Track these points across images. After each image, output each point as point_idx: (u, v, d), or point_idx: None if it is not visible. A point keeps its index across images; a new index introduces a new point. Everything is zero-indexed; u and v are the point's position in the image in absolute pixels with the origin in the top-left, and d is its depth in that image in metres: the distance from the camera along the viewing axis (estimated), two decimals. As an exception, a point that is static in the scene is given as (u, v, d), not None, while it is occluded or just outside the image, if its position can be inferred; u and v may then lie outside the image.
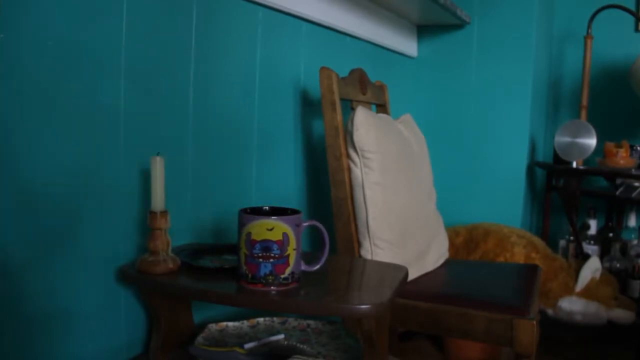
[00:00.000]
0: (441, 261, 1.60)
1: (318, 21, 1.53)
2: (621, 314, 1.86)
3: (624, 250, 2.13)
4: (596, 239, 2.15)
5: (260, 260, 0.86)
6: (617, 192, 2.01)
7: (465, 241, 1.93)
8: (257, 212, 0.91)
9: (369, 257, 1.32)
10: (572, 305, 1.86)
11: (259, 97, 1.34)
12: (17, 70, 0.79)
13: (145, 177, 0.98)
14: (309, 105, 1.55)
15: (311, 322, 1.14)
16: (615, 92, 2.37)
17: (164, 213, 0.94)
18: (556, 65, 2.50)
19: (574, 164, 2.07)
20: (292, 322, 1.14)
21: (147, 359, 1.00)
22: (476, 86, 2.17)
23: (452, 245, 1.89)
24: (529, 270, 1.55)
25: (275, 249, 0.85)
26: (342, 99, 1.35)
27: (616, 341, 2.04)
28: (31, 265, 0.84)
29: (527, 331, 1.22)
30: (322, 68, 1.32)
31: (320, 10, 1.53)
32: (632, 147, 2.09)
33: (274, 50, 1.38)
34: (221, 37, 1.20)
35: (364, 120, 1.29)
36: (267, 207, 0.93)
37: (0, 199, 0.79)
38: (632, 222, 2.21)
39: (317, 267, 0.93)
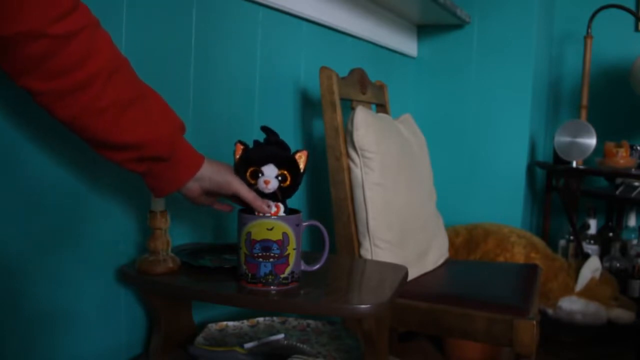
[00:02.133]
0: (441, 261, 1.60)
1: (318, 21, 1.53)
2: (621, 314, 1.86)
3: (624, 250, 2.13)
4: (596, 239, 2.15)
5: (260, 260, 0.86)
6: (617, 192, 2.01)
7: (465, 241, 1.93)
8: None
9: (369, 257, 1.32)
10: (572, 305, 1.86)
11: (259, 97, 1.34)
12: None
13: (145, 177, 0.98)
14: (309, 105, 1.55)
15: (311, 322, 1.14)
16: (615, 92, 2.37)
17: (163, 213, 0.94)
18: (556, 65, 2.50)
19: (574, 164, 2.07)
20: (292, 322, 1.14)
21: (147, 359, 1.00)
22: (476, 86, 2.17)
23: (452, 245, 1.89)
24: (529, 270, 1.55)
25: (275, 248, 0.85)
26: (342, 99, 1.35)
27: (616, 341, 2.03)
28: (31, 265, 0.84)
29: (527, 331, 1.22)
30: (322, 68, 1.32)
31: (320, 10, 1.53)
32: (632, 147, 2.09)
33: (274, 50, 1.38)
34: (221, 37, 1.20)
35: (363, 120, 1.29)
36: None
37: (0, 198, 0.80)
38: (632, 222, 2.21)
39: (317, 267, 0.93)
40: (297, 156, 0.88)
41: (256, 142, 0.90)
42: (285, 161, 0.87)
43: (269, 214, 0.86)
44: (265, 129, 0.91)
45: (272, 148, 0.88)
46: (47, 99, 0.70)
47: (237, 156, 0.89)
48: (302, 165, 0.89)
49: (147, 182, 0.85)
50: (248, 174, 0.86)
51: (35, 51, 0.65)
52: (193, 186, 0.87)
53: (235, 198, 0.90)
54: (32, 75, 0.67)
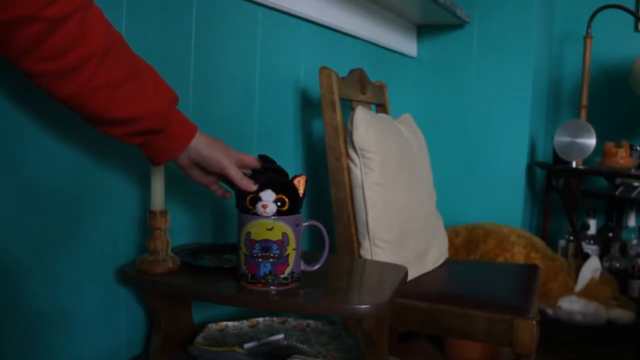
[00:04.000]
0: (441, 261, 1.60)
1: (318, 21, 1.53)
2: (621, 314, 1.86)
3: (624, 250, 2.13)
4: (596, 239, 2.15)
5: (260, 260, 0.86)
6: (617, 192, 2.01)
7: (465, 241, 1.93)
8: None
9: (368, 257, 1.32)
10: (572, 305, 1.86)
11: (259, 97, 1.34)
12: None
13: (146, 177, 0.98)
14: (309, 105, 1.55)
15: (311, 322, 1.14)
16: (615, 92, 2.37)
17: (163, 213, 0.94)
18: (556, 65, 2.50)
19: (574, 164, 2.07)
20: (292, 322, 1.14)
21: (147, 359, 1.00)
22: (476, 86, 2.17)
23: (452, 245, 1.89)
24: (529, 270, 1.55)
25: (274, 248, 0.85)
26: (342, 99, 1.35)
27: (616, 341, 2.04)
28: (31, 265, 0.84)
29: (527, 331, 1.22)
30: (322, 68, 1.32)
31: (320, 10, 1.53)
32: (631, 147, 2.09)
33: (274, 50, 1.38)
34: (221, 37, 1.20)
35: (363, 120, 1.29)
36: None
37: (0, 198, 0.80)
38: (632, 222, 2.21)
39: (317, 267, 0.93)
40: (295, 181, 0.89)
41: (254, 170, 0.91)
42: (283, 186, 0.87)
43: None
44: (262, 157, 0.92)
45: (270, 174, 0.89)
46: (44, 80, 0.72)
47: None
48: (301, 190, 0.89)
49: (144, 153, 0.87)
50: (247, 200, 0.87)
51: (30, 35, 0.67)
52: (182, 156, 0.88)
53: (225, 178, 0.91)
54: (29, 58, 0.69)
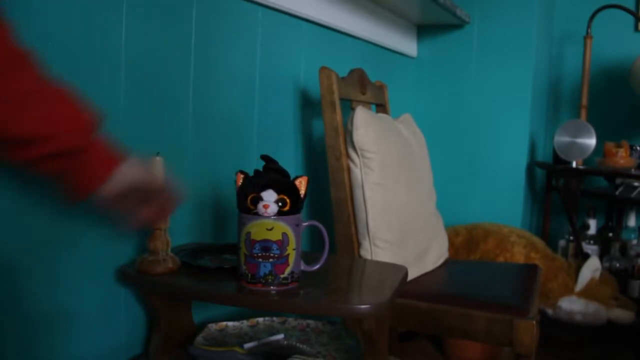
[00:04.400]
0: (441, 261, 1.60)
1: (318, 21, 1.53)
2: (621, 314, 1.86)
3: (624, 250, 2.13)
4: (596, 239, 2.15)
5: (260, 260, 0.86)
6: (617, 192, 2.01)
7: (465, 241, 1.93)
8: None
9: (368, 257, 1.32)
10: (572, 305, 1.86)
11: (259, 97, 1.34)
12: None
13: (145, 177, 0.98)
14: (309, 105, 1.55)
15: (311, 322, 1.14)
16: (615, 92, 2.37)
17: (163, 213, 0.94)
18: (556, 65, 2.50)
19: (574, 164, 2.07)
20: (291, 322, 1.14)
21: (147, 359, 1.00)
22: (476, 86, 2.16)
23: (452, 245, 1.89)
24: (529, 270, 1.55)
25: (274, 248, 0.85)
26: (342, 99, 1.35)
27: (616, 341, 2.03)
28: (31, 265, 0.84)
29: (527, 331, 1.22)
30: (322, 68, 1.32)
31: (320, 10, 1.53)
32: (631, 147, 2.09)
33: (274, 50, 1.38)
34: (221, 37, 1.20)
35: (363, 120, 1.29)
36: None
37: (0, 198, 0.80)
38: (632, 222, 2.21)
39: (317, 267, 0.93)
40: (297, 182, 0.89)
41: (256, 171, 0.91)
42: (285, 187, 0.88)
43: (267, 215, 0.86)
44: (264, 157, 0.92)
45: (271, 175, 0.89)
46: None
47: (238, 185, 0.90)
48: (302, 191, 0.89)
49: (63, 185, 0.75)
50: (248, 200, 0.87)
51: None
52: (111, 185, 0.77)
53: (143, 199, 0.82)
54: None
